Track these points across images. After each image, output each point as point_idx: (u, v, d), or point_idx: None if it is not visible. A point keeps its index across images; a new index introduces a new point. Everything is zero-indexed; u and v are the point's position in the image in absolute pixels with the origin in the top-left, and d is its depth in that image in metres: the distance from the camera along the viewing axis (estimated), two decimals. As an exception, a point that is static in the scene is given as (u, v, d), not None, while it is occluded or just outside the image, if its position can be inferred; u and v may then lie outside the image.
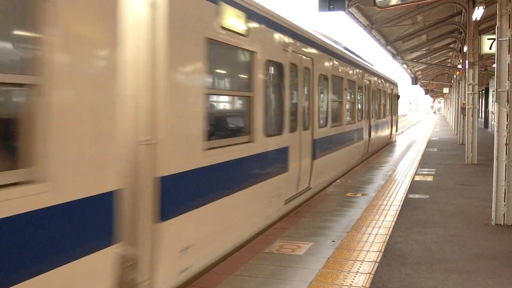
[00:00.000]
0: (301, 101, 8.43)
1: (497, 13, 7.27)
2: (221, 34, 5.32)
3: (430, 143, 22.55)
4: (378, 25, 18.56)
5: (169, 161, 4.34)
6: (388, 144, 21.41)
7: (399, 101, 27.12)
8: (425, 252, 5.88)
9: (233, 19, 5.60)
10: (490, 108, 33.26)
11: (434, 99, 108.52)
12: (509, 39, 7.12)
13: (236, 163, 5.73)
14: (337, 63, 11.19)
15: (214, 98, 5.89)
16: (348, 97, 12.74)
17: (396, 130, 25.99)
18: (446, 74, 44.10)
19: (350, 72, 12.93)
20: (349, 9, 15.30)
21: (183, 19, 4.58)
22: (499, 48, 7.22)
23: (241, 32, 5.84)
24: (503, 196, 7.17)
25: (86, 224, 3.34)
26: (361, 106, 14.80)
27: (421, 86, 56.97)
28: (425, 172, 12.68)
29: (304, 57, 8.51)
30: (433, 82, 49.52)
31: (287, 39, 7.60)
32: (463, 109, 16.87)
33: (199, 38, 4.84)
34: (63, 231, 3.15)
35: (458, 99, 26.39)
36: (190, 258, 4.75)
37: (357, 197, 9.16)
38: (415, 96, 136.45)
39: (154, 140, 4.19)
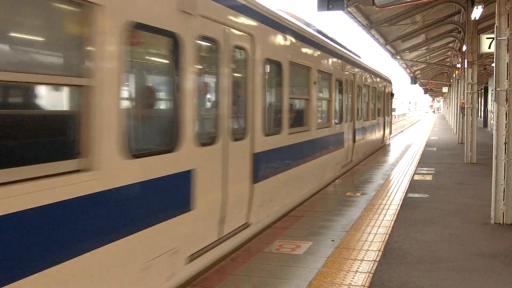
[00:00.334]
0: (223, 97, 5.53)
1: (496, 12, 7.28)
2: None
3: (429, 143, 22.57)
4: (377, 24, 18.59)
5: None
6: (379, 149, 18.89)
7: (399, 101, 26.57)
8: (424, 251, 5.90)
9: None
10: (489, 107, 33.28)
11: (434, 98, 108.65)
12: (507, 38, 7.13)
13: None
14: (300, 46, 8.39)
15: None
16: (321, 94, 10.08)
17: (390, 132, 23.58)
18: (445, 73, 44.15)
19: (324, 61, 10.16)
20: (348, 9, 15.32)
21: None
22: (498, 47, 7.24)
23: None
24: (502, 195, 7.19)
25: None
26: (342, 106, 12.05)
27: (420, 86, 56.98)
28: (425, 171, 12.70)
29: (234, 30, 5.73)
30: (432, 82, 49.57)
31: None
32: (463, 108, 16.88)
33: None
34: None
35: (457, 98, 26.44)
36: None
37: (357, 197, 9.17)
38: (414, 95, 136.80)
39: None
